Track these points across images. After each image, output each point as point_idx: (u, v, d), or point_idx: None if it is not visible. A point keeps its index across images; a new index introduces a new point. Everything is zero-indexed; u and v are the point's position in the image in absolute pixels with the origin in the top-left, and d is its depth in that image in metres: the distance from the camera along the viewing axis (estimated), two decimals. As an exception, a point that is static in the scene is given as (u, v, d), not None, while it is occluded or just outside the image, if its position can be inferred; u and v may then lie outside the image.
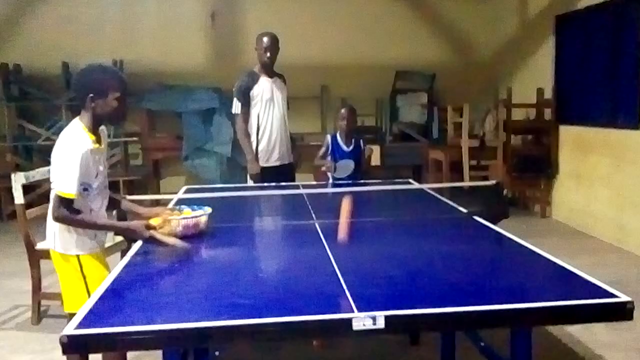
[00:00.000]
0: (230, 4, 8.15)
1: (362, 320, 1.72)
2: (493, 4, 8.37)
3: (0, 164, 7.44)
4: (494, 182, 4.21)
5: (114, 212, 3.04)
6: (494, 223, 2.97)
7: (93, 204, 2.64)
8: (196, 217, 2.75)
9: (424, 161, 7.76)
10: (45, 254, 3.82)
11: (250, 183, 4.67)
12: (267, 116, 4.60)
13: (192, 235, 2.70)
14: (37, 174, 4.08)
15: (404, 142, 8.04)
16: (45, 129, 7.60)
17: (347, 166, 4.52)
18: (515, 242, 2.59)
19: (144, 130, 7.82)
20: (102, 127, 2.74)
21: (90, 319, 1.78)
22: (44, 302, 4.04)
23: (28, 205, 3.93)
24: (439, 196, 3.90)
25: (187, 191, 4.10)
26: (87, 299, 2.01)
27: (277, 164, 4.69)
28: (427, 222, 3.26)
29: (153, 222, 2.63)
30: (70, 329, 1.69)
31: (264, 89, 4.58)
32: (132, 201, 3.03)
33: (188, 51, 8.04)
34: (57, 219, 2.54)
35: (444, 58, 8.40)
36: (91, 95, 2.55)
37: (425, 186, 4.51)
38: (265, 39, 4.54)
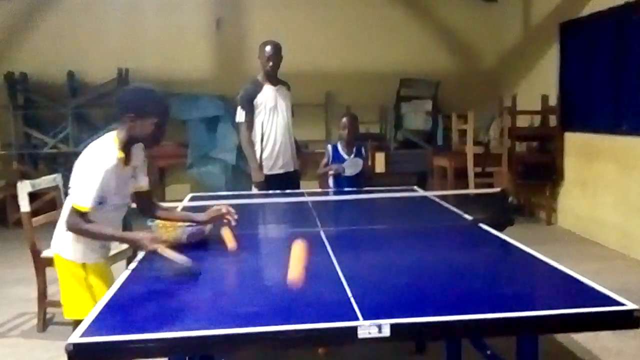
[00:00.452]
0: (235, 12, 8.18)
1: (367, 329, 1.72)
2: (497, 11, 8.39)
3: (6, 171, 7.48)
4: (499, 189, 4.20)
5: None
6: (500, 230, 2.97)
7: (106, 216, 2.61)
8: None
9: (429, 168, 7.75)
10: (51, 262, 3.84)
11: (254, 191, 4.68)
12: (271, 124, 4.61)
13: (197, 243, 2.71)
14: (42, 182, 4.10)
15: (409, 149, 8.04)
16: (50, 137, 7.63)
17: (356, 163, 4.52)
18: (521, 249, 2.58)
19: (149, 138, 7.82)
20: (139, 144, 2.70)
21: (96, 327, 1.79)
22: (49, 309, 4.04)
23: (34, 213, 3.93)
24: (443, 203, 3.90)
25: (193, 199, 4.11)
26: (90, 307, 2.01)
27: (282, 171, 4.69)
28: (432, 229, 3.26)
29: (160, 230, 2.64)
30: (76, 337, 1.69)
31: (268, 97, 4.59)
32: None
33: (193, 59, 8.07)
34: (70, 228, 2.54)
35: (449, 65, 8.40)
36: (131, 114, 2.55)
37: (430, 193, 4.51)
38: (267, 48, 4.55)
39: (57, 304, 3.90)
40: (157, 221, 2.81)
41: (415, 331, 1.82)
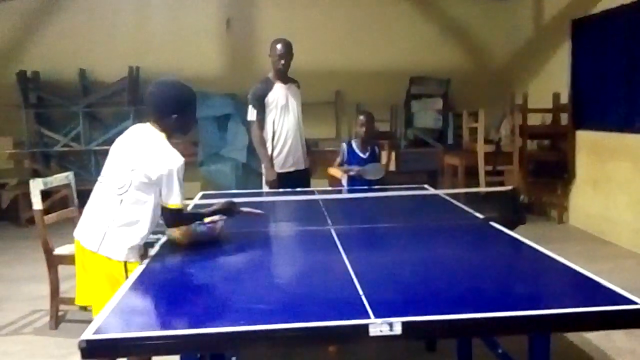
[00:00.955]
0: (245, 11, 8.20)
1: (378, 326, 1.72)
2: (508, 8, 8.34)
3: (18, 170, 7.54)
4: (510, 187, 4.18)
5: None
6: (511, 229, 2.96)
7: (155, 213, 2.66)
8: (213, 222, 2.78)
9: (440, 167, 7.73)
10: (63, 259, 3.89)
11: (265, 189, 4.69)
12: (282, 122, 4.62)
13: (209, 241, 2.72)
14: (55, 180, 4.12)
15: (419, 148, 8.02)
16: (62, 135, 7.69)
17: (378, 169, 4.51)
18: (532, 247, 2.57)
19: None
20: None
21: (109, 324, 1.80)
22: (62, 306, 4.07)
23: (46, 211, 3.96)
24: (454, 202, 3.89)
25: (203, 197, 4.12)
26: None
27: (292, 169, 4.70)
28: (443, 228, 3.25)
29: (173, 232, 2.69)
30: (89, 333, 1.71)
31: (279, 95, 4.59)
32: None
33: (203, 57, 8.08)
34: (172, 225, 2.71)
35: (459, 63, 8.37)
36: (176, 115, 2.66)
37: (440, 192, 4.50)
38: (278, 46, 4.55)
39: (69, 301, 3.94)
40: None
41: (426, 329, 1.81)
